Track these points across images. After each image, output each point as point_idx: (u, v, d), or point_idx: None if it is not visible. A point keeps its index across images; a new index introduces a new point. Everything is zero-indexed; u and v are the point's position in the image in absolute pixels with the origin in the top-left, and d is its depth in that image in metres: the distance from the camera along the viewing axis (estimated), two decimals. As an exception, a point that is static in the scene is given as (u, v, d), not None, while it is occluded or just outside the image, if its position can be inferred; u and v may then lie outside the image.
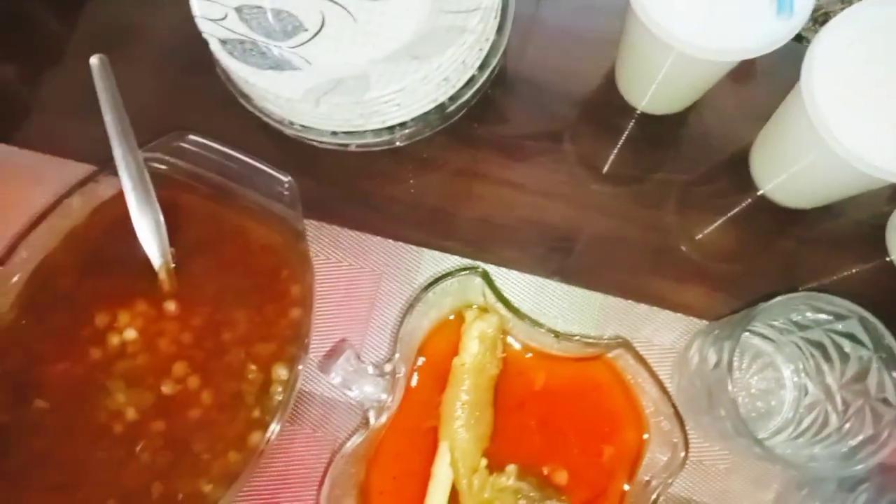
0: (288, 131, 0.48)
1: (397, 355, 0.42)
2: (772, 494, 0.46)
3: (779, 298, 0.39)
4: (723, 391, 0.38)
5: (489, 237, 0.52)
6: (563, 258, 0.51)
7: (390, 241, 0.51)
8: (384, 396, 0.41)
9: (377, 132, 0.48)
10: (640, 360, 0.41)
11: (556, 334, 0.42)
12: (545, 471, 0.43)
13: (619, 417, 0.44)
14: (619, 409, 0.44)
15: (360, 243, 0.51)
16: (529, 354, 0.45)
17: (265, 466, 0.47)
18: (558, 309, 0.49)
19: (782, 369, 0.47)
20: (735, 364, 0.40)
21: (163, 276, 0.46)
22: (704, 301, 0.50)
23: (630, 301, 0.50)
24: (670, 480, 0.40)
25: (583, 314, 0.49)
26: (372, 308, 0.50)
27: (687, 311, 0.50)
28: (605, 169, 0.53)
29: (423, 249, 0.51)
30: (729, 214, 0.52)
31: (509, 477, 0.42)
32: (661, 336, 0.49)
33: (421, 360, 0.45)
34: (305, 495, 0.46)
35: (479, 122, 0.54)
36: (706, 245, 0.52)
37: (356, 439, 0.41)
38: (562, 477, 0.43)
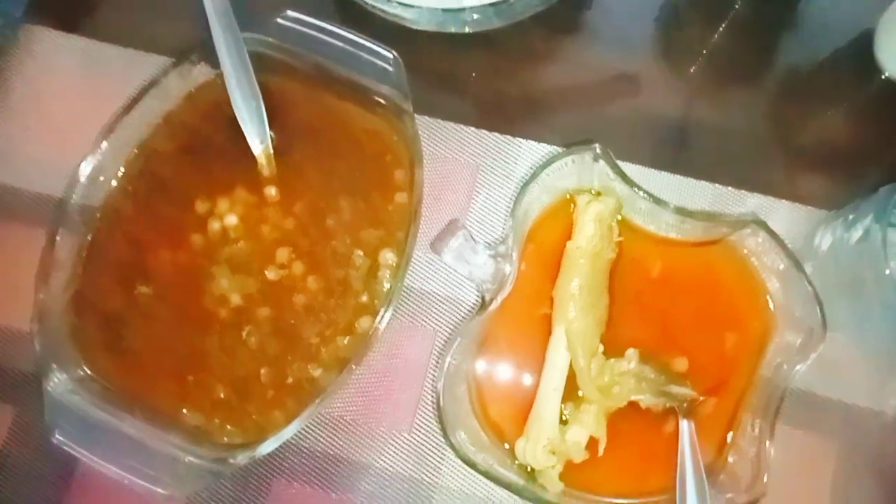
0: (385, 10, 0.46)
1: (511, 234, 0.40)
2: (900, 384, 0.44)
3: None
4: (871, 266, 0.36)
5: (593, 128, 0.49)
6: (672, 149, 0.49)
7: (486, 131, 0.49)
8: (507, 270, 0.39)
9: (479, 9, 0.45)
10: (774, 236, 0.39)
11: (682, 212, 0.40)
12: (664, 358, 0.42)
13: (741, 304, 0.42)
14: (741, 296, 0.42)
15: (457, 135, 0.49)
16: (646, 240, 0.43)
17: (374, 360, 0.47)
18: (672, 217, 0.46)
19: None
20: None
21: (263, 161, 0.44)
22: (823, 190, 0.47)
23: (743, 191, 0.47)
24: (806, 361, 0.38)
25: (694, 205, 0.47)
26: (469, 201, 0.48)
27: (804, 201, 0.47)
28: (716, 57, 0.50)
29: (523, 140, 0.49)
30: (848, 101, 0.49)
31: (630, 361, 0.40)
32: (777, 226, 0.46)
33: (530, 247, 0.43)
34: (405, 385, 0.46)
35: (581, 10, 0.51)
36: (824, 133, 0.49)
37: (473, 322, 0.40)
38: (681, 365, 0.42)
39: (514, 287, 0.42)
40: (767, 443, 0.37)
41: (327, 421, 0.46)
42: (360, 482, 0.45)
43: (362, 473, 0.45)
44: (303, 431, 0.46)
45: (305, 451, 0.46)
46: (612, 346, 0.42)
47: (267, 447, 0.39)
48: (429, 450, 0.45)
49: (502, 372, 0.43)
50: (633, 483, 0.40)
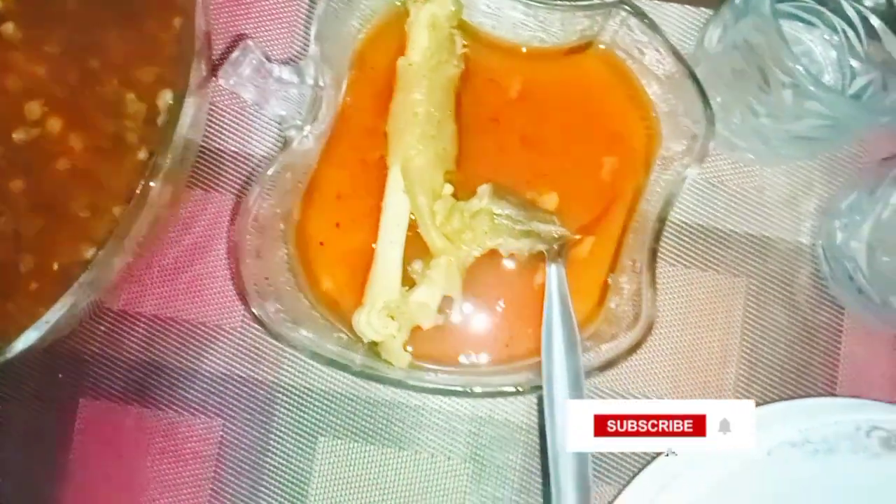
0: None
1: (314, 47, 0.31)
2: (812, 204, 0.37)
3: None
4: (766, 38, 0.28)
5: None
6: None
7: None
8: (316, 96, 0.30)
9: None
10: (645, 22, 0.30)
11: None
12: (529, 196, 0.34)
13: (619, 120, 0.34)
14: (619, 111, 0.34)
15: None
16: (500, 53, 0.35)
17: (177, 238, 0.38)
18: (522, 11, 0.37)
19: (818, 54, 0.37)
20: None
21: (-7, -11, 0.34)
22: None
23: (623, -4, 0.39)
24: (692, 168, 0.30)
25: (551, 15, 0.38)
26: (292, 34, 0.39)
27: (693, 1, 0.39)
28: None
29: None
30: None
31: (482, 198, 0.32)
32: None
33: (357, 76, 0.34)
34: (227, 272, 0.37)
35: None
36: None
37: (275, 165, 0.31)
38: (550, 201, 0.34)
39: (341, 126, 0.34)
40: (646, 273, 0.29)
41: (138, 322, 0.37)
42: (187, 390, 0.37)
43: (188, 380, 0.37)
44: (110, 337, 0.38)
45: (116, 361, 0.38)
46: (466, 188, 0.33)
47: (16, 348, 0.30)
48: (266, 344, 0.37)
49: (333, 233, 0.34)
50: (499, 348, 0.33)
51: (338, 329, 0.33)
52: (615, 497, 0.34)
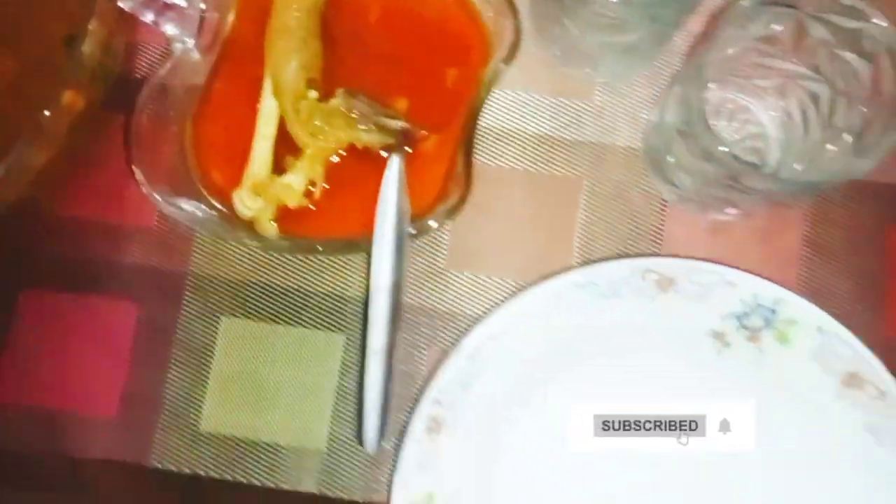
0: None
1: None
2: (645, 113, 0.43)
3: None
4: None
5: None
6: None
7: None
8: (195, 6, 0.37)
9: None
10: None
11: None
12: (383, 101, 0.40)
13: (461, 37, 0.40)
14: (460, 29, 0.40)
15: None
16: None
17: (106, 158, 0.45)
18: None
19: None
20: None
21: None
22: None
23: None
24: (501, 66, 0.36)
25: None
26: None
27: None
28: None
29: None
30: None
31: (337, 98, 0.39)
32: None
33: (243, 2, 0.41)
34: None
35: None
36: None
37: (161, 70, 0.38)
38: (401, 105, 0.40)
39: (230, 47, 0.41)
40: (463, 150, 0.35)
41: (71, 223, 0.44)
42: (111, 281, 0.44)
43: (112, 271, 0.44)
44: (48, 236, 0.44)
45: (52, 257, 0.44)
46: (331, 94, 0.40)
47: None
48: (177, 239, 0.44)
49: (222, 135, 0.41)
50: (356, 228, 0.39)
51: (223, 212, 0.40)
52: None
